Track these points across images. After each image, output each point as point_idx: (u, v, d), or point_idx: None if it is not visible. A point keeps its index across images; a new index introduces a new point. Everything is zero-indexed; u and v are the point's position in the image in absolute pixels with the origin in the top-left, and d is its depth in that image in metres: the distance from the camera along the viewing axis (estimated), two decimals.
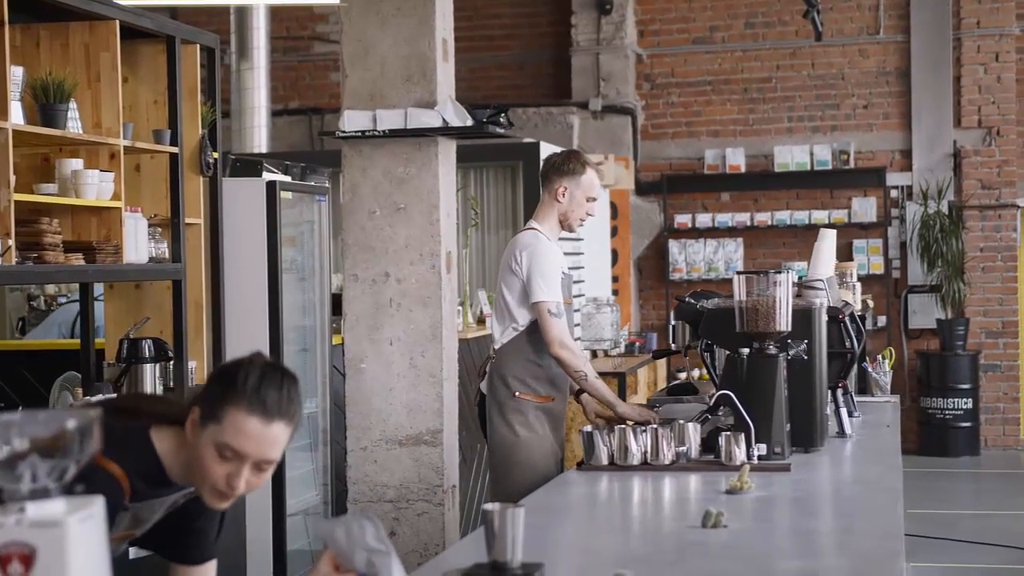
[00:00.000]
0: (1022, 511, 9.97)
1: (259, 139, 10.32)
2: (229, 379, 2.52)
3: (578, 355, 5.15)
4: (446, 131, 6.07)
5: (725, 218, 12.65)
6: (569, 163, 5.31)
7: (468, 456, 7.10)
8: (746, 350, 4.36)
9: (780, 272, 4.40)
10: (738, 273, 4.44)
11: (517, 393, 5.18)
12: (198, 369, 5.90)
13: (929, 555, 8.21)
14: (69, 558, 1.75)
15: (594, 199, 5.32)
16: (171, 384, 5.67)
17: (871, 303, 10.66)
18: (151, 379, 5.53)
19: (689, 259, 12.74)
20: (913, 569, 7.70)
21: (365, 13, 5.97)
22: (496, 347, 5.29)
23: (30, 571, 1.74)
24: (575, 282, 10.32)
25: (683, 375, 11.95)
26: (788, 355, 4.39)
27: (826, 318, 4.67)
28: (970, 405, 12.06)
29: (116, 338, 5.68)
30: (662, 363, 11.38)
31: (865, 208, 12.43)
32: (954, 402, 12.03)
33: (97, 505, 1.82)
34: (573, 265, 10.30)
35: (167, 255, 5.61)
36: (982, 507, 10.31)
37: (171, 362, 5.64)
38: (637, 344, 11.30)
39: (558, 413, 5.27)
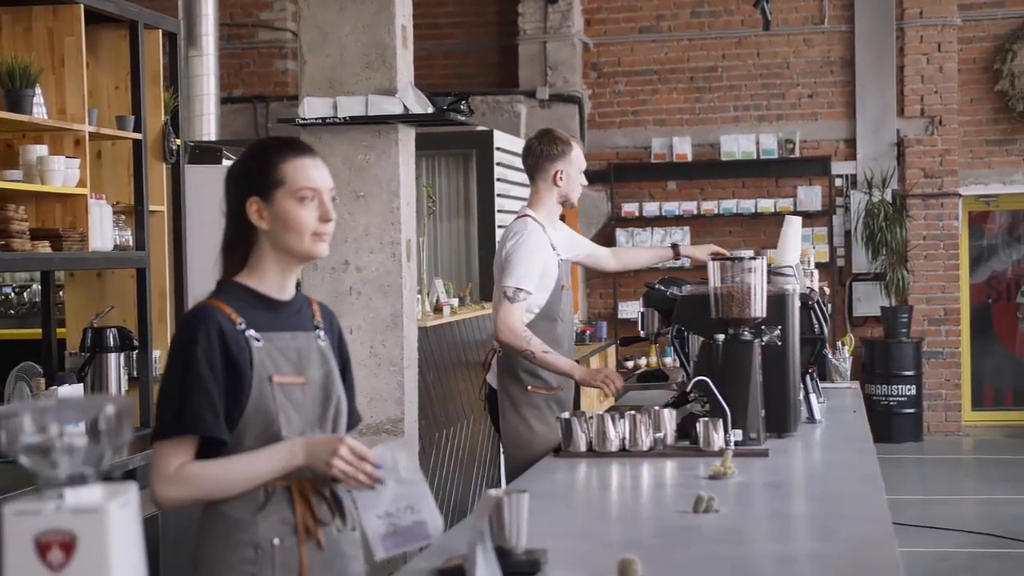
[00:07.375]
0: (965, 496, 10.12)
1: (208, 127, 10.20)
2: (261, 158, 2.84)
3: (521, 335, 4.99)
4: (407, 118, 6.04)
5: (672, 207, 12.70)
6: (557, 146, 5.34)
7: (427, 445, 7.07)
8: (721, 336, 4.37)
9: (755, 258, 4.41)
10: (713, 259, 4.45)
11: (529, 387, 5.14)
12: (162, 358, 5.83)
13: None
14: (110, 544, 1.73)
15: (584, 168, 5.47)
16: (135, 374, 5.61)
17: (827, 289, 10.73)
18: (115, 368, 5.46)
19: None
20: None
21: None
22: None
23: (70, 558, 1.72)
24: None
25: (643, 361, 12.01)
26: (763, 341, 4.41)
27: (798, 304, 4.69)
28: (913, 392, 12.21)
29: (78, 327, 5.60)
30: (611, 351, 11.43)
31: (810, 197, 12.52)
32: (898, 388, 12.17)
33: (132, 491, 1.80)
34: None
35: (131, 243, 5.54)
36: (927, 492, 10.44)
37: (135, 351, 5.57)
38: (588, 333, 11.34)
39: (567, 401, 5.24)
